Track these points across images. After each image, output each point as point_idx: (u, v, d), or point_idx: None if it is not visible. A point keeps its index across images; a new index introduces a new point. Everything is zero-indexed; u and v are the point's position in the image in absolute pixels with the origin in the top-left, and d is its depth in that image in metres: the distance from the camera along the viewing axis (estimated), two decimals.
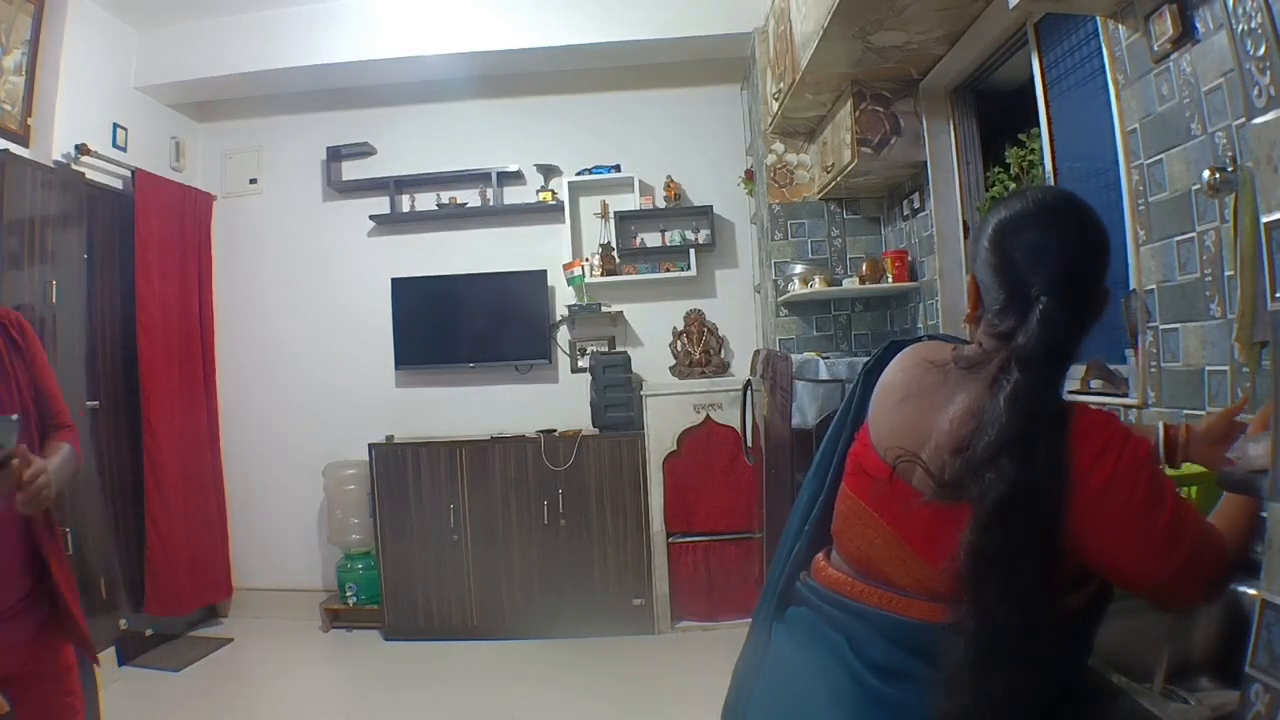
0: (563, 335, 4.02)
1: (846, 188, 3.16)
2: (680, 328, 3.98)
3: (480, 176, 3.97)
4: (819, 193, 3.30)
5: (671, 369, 3.97)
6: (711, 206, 3.88)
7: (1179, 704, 0.91)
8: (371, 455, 3.64)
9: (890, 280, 3.05)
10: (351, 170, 4.11)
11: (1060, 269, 0.89)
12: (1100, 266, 0.92)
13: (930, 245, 2.78)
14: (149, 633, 3.49)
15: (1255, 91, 0.76)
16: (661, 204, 3.92)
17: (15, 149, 2.99)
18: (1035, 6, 1.67)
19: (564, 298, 3.98)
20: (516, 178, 4.02)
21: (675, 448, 3.57)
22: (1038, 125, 2.06)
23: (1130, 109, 1.51)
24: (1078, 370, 1.71)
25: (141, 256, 3.52)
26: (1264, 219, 0.75)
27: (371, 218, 4.03)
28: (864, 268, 3.15)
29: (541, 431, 3.68)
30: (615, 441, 3.58)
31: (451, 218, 4.02)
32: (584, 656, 3.34)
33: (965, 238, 2.67)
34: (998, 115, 2.60)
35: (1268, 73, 0.74)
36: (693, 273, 3.84)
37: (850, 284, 3.20)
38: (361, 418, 3.94)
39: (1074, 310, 0.88)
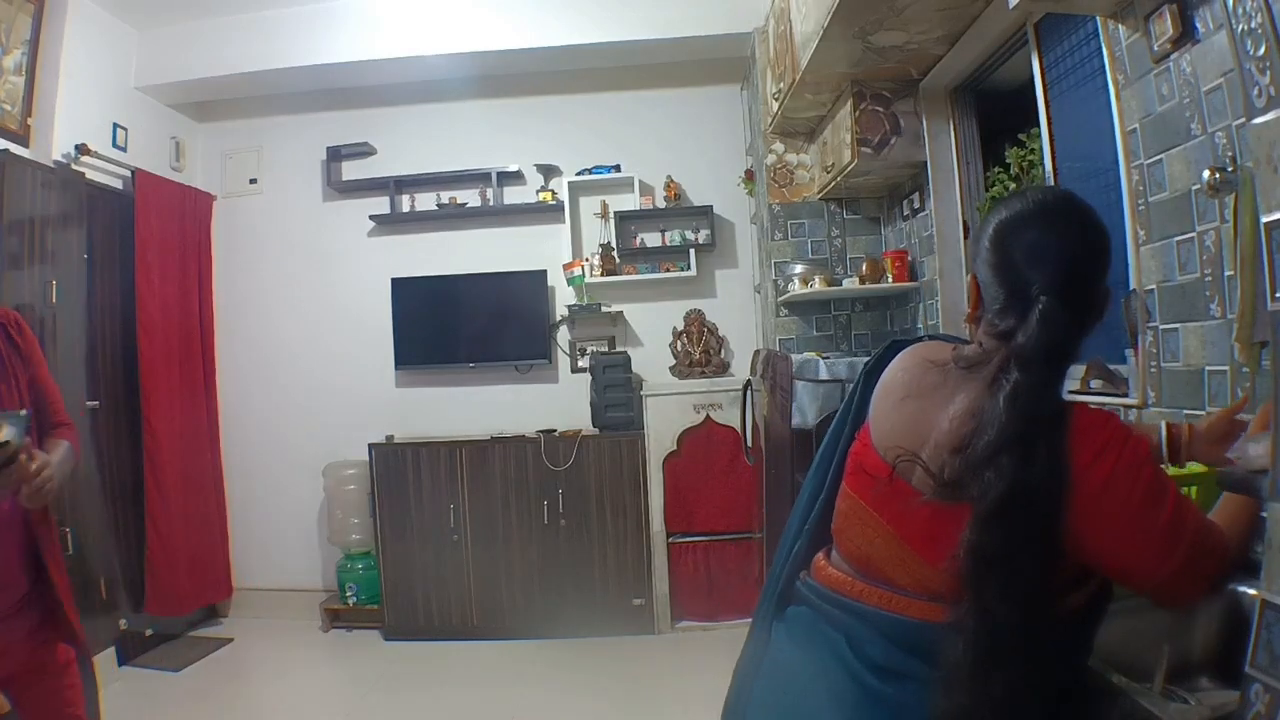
0: (563, 335, 4.02)
1: (846, 188, 3.16)
2: (680, 328, 3.97)
3: (480, 176, 3.97)
4: (819, 193, 3.29)
5: (671, 369, 3.97)
6: (711, 206, 3.88)
7: (1179, 704, 0.90)
8: (371, 455, 3.64)
9: (890, 280, 3.05)
10: (351, 170, 4.11)
11: (1060, 269, 0.89)
12: (1100, 266, 0.92)
13: (930, 245, 2.78)
14: (149, 633, 3.49)
15: (1255, 91, 0.76)
16: (661, 204, 3.92)
17: (15, 149, 2.99)
18: (1035, 6, 1.67)
19: (564, 298, 3.98)
20: (516, 178, 4.02)
21: (675, 448, 3.57)
22: (1038, 125, 2.06)
23: (1130, 109, 1.51)
24: (1078, 370, 1.71)
25: (141, 256, 3.52)
26: (1264, 219, 0.75)
27: (371, 218, 4.03)
28: (864, 268, 3.15)
29: (541, 431, 3.68)
30: (615, 441, 3.58)
31: (451, 218, 4.02)
32: (584, 656, 3.34)
33: (965, 238, 2.67)
34: (998, 115, 2.60)
35: (1268, 73, 0.74)
36: (693, 273, 3.84)
37: (850, 284, 3.20)
38: (361, 418, 3.94)
39: (1074, 310, 0.88)
